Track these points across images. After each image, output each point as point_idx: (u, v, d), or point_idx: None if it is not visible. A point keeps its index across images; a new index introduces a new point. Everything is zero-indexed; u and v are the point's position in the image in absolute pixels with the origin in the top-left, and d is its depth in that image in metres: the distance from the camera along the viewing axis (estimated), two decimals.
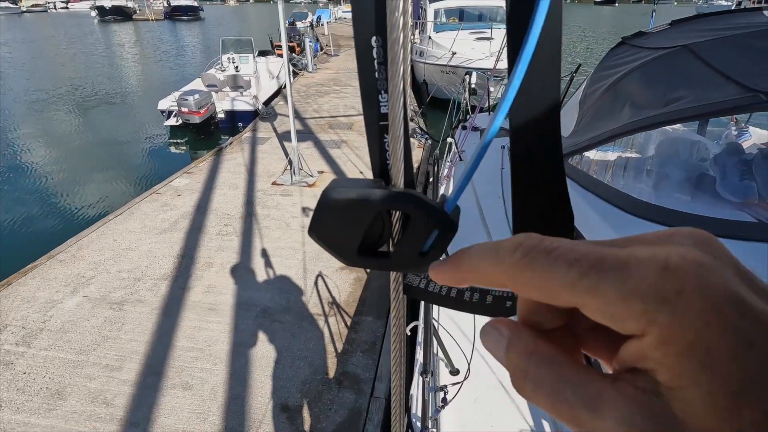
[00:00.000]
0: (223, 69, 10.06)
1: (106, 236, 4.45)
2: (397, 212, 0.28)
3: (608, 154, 2.55)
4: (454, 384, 1.38)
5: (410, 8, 0.26)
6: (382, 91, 0.28)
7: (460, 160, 3.53)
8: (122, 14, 48.75)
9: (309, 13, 23.36)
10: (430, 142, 7.38)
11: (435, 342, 1.61)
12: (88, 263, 3.99)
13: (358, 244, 0.28)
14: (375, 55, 0.27)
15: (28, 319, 3.31)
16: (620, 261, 0.15)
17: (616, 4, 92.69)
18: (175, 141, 8.97)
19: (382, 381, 2.79)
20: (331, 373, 2.85)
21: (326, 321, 3.29)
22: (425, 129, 8.28)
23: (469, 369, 1.37)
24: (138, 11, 53.00)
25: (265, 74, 11.01)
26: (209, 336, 3.15)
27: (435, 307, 1.67)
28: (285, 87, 6.60)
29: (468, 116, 4.66)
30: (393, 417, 0.43)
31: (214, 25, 43.19)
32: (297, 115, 7.72)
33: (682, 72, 1.91)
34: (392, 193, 0.27)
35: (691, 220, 1.49)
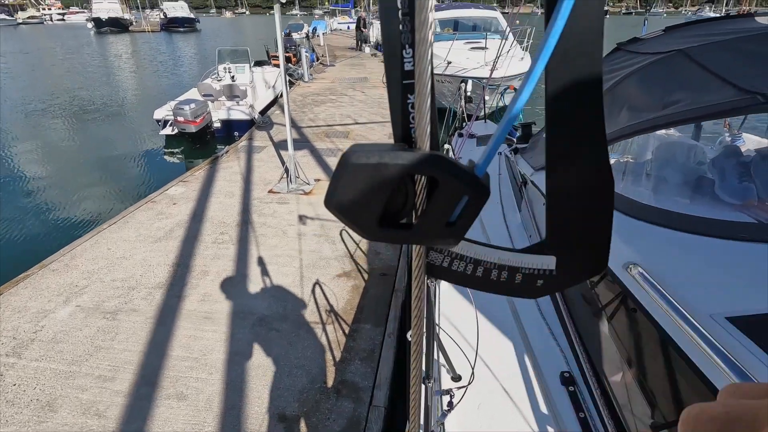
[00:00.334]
0: (219, 79, 10.11)
1: (100, 245, 4.39)
2: (422, 179, 0.25)
3: None
4: (458, 388, 1.36)
5: None
6: (407, 46, 0.26)
7: None
8: (119, 26, 49.03)
9: (305, 25, 23.59)
10: None
11: (436, 347, 1.58)
12: (82, 272, 3.94)
13: (379, 215, 0.25)
14: (399, 5, 0.26)
15: (19, 329, 3.25)
16: None
17: (607, 16, 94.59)
18: (170, 150, 8.95)
19: (381, 389, 2.75)
20: (329, 382, 2.80)
21: (324, 329, 3.25)
22: None
23: (473, 374, 1.34)
24: (134, 23, 53.35)
25: (261, 84, 11.07)
26: (205, 345, 3.09)
27: (435, 309, 1.64)
28: (281, 96, 6.62)
29: (464, 124, 4.70)
30: (411, 387, 0.40)
31: (211, 36, 43.46)
32: (293, 124, 7.72)
33: (678, 75, 1.92)
34: (420, 156, 0.24)
35: (692, 222, 1.49)
